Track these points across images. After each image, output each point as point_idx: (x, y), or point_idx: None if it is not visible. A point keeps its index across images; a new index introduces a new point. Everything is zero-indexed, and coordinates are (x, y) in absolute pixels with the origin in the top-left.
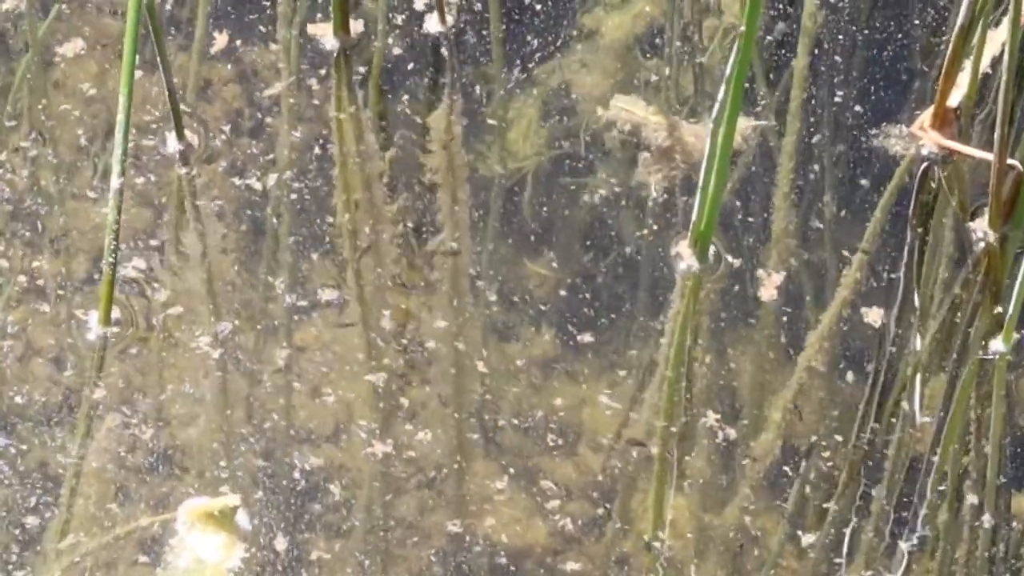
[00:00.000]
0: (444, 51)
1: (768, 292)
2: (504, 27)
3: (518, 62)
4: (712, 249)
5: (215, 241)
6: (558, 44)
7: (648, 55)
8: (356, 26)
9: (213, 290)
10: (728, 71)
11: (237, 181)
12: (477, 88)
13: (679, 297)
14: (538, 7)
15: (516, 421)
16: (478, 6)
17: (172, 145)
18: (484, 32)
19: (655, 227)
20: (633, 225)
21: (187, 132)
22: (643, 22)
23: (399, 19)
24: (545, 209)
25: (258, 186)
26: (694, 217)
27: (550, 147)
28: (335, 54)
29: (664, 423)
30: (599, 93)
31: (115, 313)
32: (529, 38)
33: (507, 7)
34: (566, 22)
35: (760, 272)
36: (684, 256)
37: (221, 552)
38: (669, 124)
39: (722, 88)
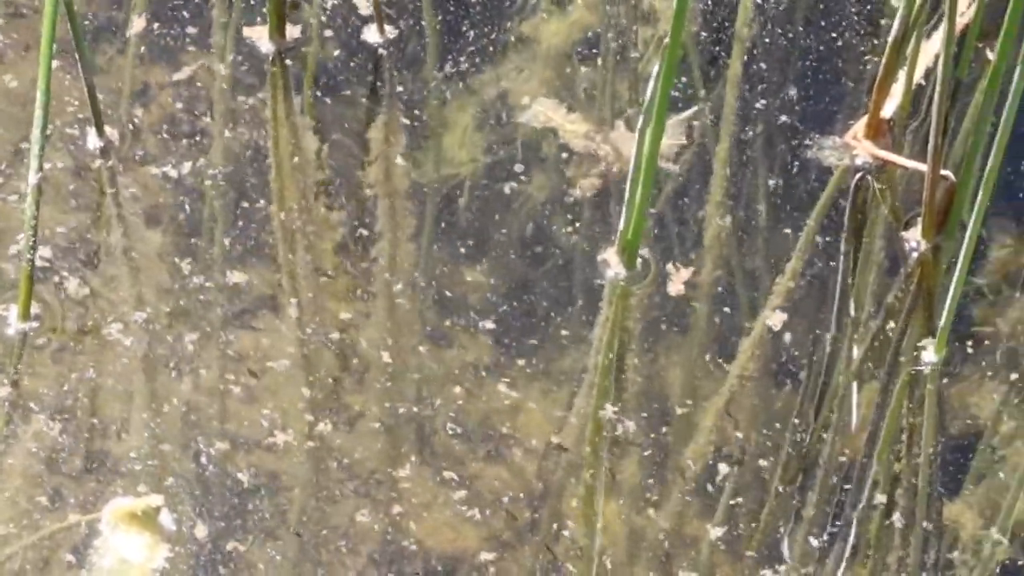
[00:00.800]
0: (382, 58)
1: (698, 298)
2: (442, 34)
3: (455, 69)
4: (645, 256)
5: (139, 237)
6: (496, 51)
7: (585, 62)
8: (294, 31)
9: (137, 286)
10: (652, 83)
11: (158, 175)
12: (413, 94)
13: (606, 304)
14: (477, 13)
15: (451, 426)
16: (418, 15)
17: (92, 141)
18: (422, 39)
19: (581, 232)
20: (561, 231)
21: (108, 128)
22: (580, 29)
23: (338, 25)
24: (478, 215)
25: (183, 182)
26: (621, 225)
27: (485, 154)
28: (270, 57)
29: (592, 429)
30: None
31: (35, 309)
32: (467, 45)
33: (446, 14)
34: (505, 29)
35: (691, 279)
36: (611, 263)
37: (145, 552)
38: (588, 131)
39: (647, 98)
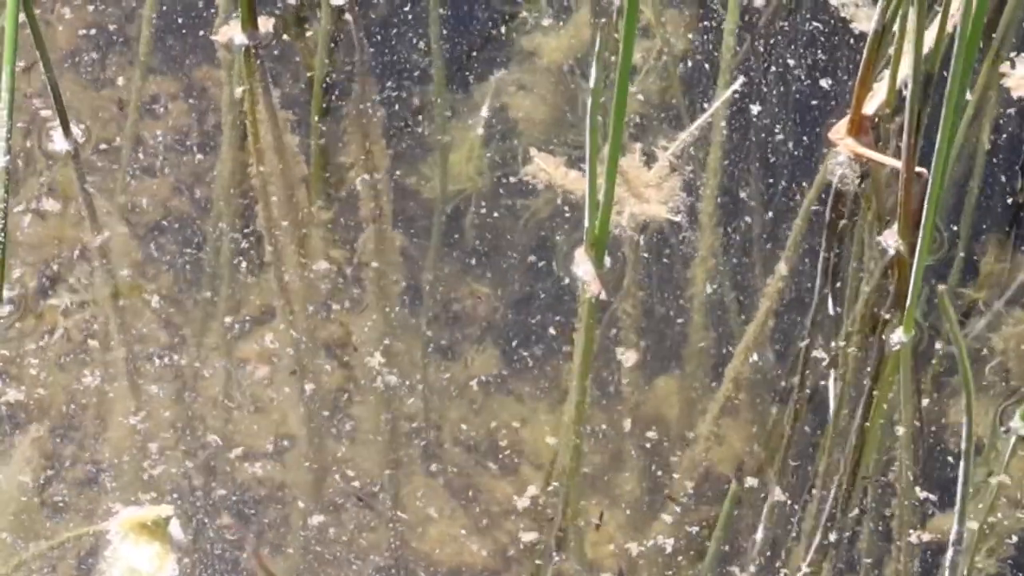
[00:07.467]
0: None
1: (688, 301)
2: (443, 45)
3: (458, 81)
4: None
5: (123, 243)
6: (496, 65)
7: (584, 76)
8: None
9: (129, 290)
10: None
11: (140, 180)
12: (413, 109)
13: (582, 307)
14: (476, 28)
15: (456, 439)
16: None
17: (59, 143)
18: (422, 48)
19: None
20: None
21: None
22: (580, 44)
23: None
24: (476, 230)
25: (170, 189)
26: (586, 223)
27: (484, 172)
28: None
29: (573, 430)
30: (537, 117)
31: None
32: (468, 58)
33: (447, 26)
34: (504, 43)
35: (683, 280)
36: (579, 261)
37: (154, 562)
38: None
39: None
